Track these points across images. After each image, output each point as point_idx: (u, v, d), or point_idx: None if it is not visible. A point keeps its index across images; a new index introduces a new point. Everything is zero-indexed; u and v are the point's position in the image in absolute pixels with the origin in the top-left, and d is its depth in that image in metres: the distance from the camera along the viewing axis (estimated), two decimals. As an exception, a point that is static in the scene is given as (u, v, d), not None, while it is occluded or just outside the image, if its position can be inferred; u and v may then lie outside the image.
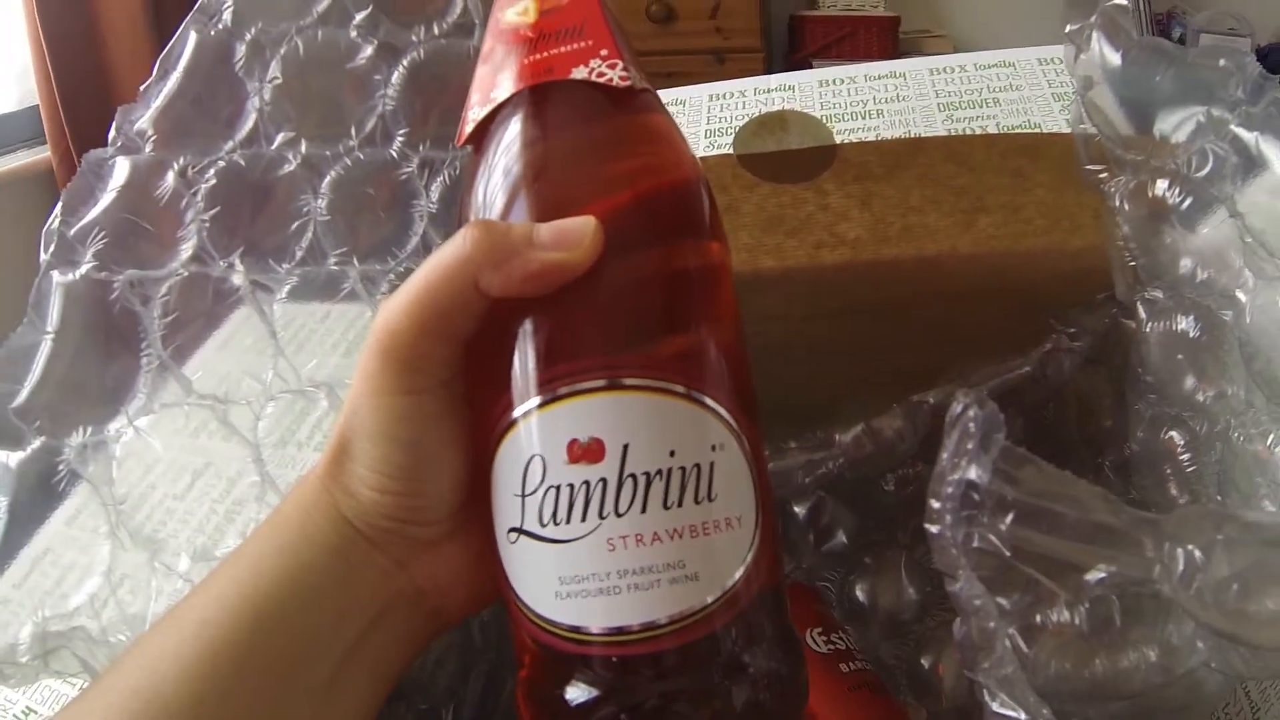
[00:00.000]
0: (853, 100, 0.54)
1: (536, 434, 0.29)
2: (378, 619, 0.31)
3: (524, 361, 0.29)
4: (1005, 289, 0.46)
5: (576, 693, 0.29)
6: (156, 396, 0.41)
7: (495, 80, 0.32)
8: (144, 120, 0.44)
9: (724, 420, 0.30)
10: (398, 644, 0.33)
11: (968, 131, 0.51)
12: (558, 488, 0.28)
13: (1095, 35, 0.38)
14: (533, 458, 0.29)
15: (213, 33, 0.45)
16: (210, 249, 0.43)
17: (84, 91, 1.99)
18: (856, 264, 0.46)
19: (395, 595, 0.32)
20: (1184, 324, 0.40)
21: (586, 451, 0.28)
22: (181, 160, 0.44)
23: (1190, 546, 0.28)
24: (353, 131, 0.45)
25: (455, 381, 0.31)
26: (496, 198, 0.31)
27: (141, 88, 0.44)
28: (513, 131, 0.31)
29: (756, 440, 0.31)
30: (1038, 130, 0.50)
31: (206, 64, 0.45)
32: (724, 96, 0.59)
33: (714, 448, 0.29)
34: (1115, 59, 0.38)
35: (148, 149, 0.44)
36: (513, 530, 0.29)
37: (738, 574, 0.29)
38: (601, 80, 0.31)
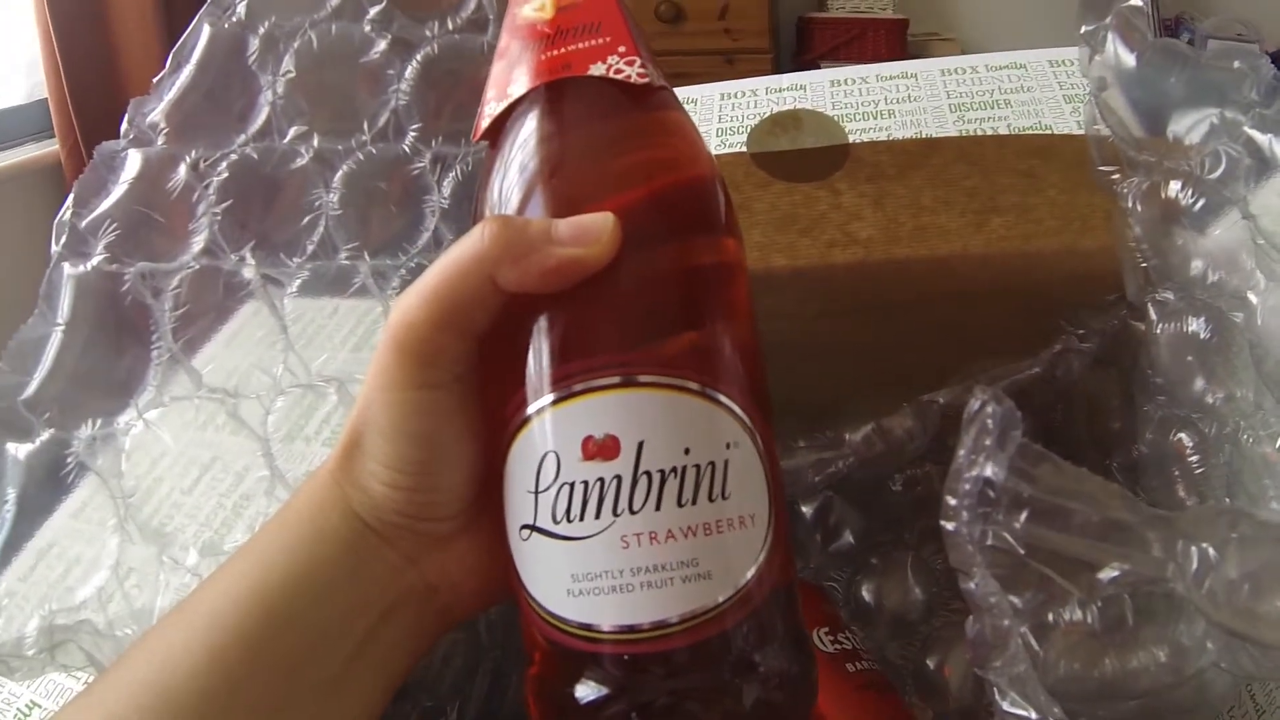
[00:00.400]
0: (864, 100, 0.55)
1: (551, 430, 0.29)
2: (387, 615, 0.31)
3: (538, 358, 0.29)
4: (1016, 289, 0.46)
5: (586, 690, 0.29)
6: (166, 389, 0.42)
7: (511, 76, 0.32)
8: (156, 113, 0.44)
9: (738, 418, 0.30)
10: (407, 640, 0.33)
11: (979, 132, 0.51)
12: (571, 485, 0.28)
13: (1110, 36, 0.38)
14: (547, 454, 0.29)
15: (226, 26, 0.45)
16: (221, 242, 0.43)
17: (93, 85, 1.99)
18: (868, 263, 0.46)
19: (405, 591, 0.32)
20: (1194, 326, 0.40)
21: (601, 448, 0.28)
22: (194, 153, 0.44)
23: (1204, 545, 0.28)
24: (365, 126, 0.45)
25: (469, 377, 0.31)
26: (513, 193, 0.31)
27: (154, 80, 0.44)
28: (530, 127, 0.31)
29: (770, 438, 0.31)
30: (1049, 131, 0.51)
31: (220, 57, 0.45)
32: (736, 95, 0.59)
33: (728, 445, 0.29)
34: (1130, 60, 0.38)
35: (160, 141, 0.44)
36: (525, 527, 0.29)
37: (750, 573, 0.29)
38: (619, 77, 0.31)
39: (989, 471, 0.29)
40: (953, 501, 0.29)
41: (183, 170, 0.44)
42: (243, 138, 0.45)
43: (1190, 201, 0.38)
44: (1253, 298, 0.38)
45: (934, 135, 0.52)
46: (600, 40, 0.31)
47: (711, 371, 0.29)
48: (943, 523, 0.30)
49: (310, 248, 0.44)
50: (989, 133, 0.51)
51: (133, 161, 0.44)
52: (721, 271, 0.32)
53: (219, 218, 0.43)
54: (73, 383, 0.41)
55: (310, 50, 0.45)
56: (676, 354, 0.29)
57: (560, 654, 0.30)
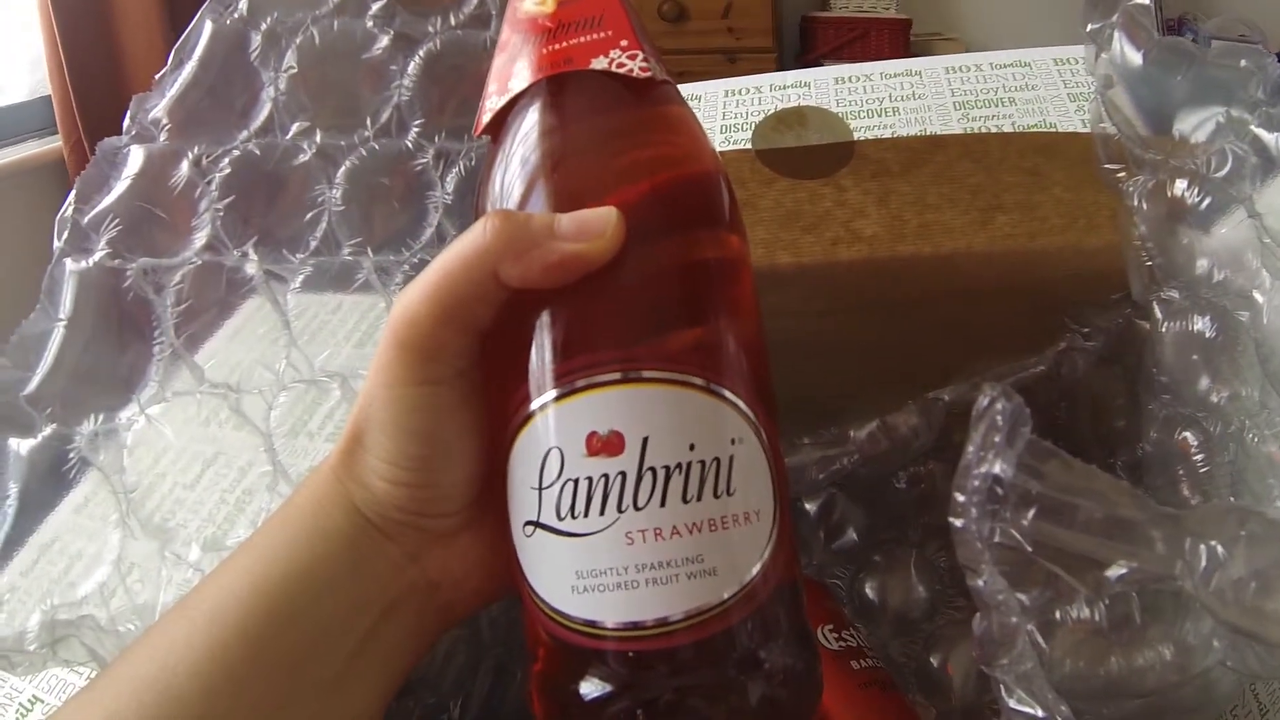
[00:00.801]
0: (868, 98, 0.55)
1: (555, 426, 0.29)
2: (389, 611, 0.31)
3: (542, 353, 0.29)
4: (1021, 287, 0.46)
5: (590, 687, 0.29)
6: (168, 385, 0.42)
7: (513, 70, 0.32)
8: (159, 109, 0.44)
9: (743, 414, 0.29)
10: (409, 637, 0.32)
11: (983, 130, 0.51)
12: (576, 480, 0.28)
13: (1116, 34, 0.38)
14: (551, 450, 0.29)
15: (228, 22, 0.45)
16: (224, 238, 0.43)
17: (96, 81, 1.99)
18: (873, 261, 0.46)
19: (407, 588, 0.32)
20: (1199, 324, 0.40)
21: (606, 444, 0.28)
22: (196, 149, 0.44)
23: (1212, 543, 0.28)
24: (368, 122, 0.45)
25: (471, 373, 0.31)
26: (515, 188, 0.31)
27: (156, 77, 0.44)
28: (531, 121, 0.31)
29: (774, 434, 0.31)
30: (1054, 129, 0.50)
31: (222, 53, 0.45)
32: (740, 92, 0.59)
33: (733, 441, 0.29)
34: (1136, 58, 0.38)
35: (162, 138, 0.44)
36: (529, 523, 0.29)
37: (755, 569, 0.29)
38: (621, 71, 0.31)
39: (997, 468, 0.29)
40: (961, 498, 0.29)
41: (185, 166, 0.44)
42: (245, 134, 0.45)
43: (1196, 200, 0.38)
44: (1258, 296, 0.38)
45: (938, 133, 0.52)
46: (602, 34, 0.31)
47: (716, 367, 0.29)
48: (951, 519, 0.30)
49: (313, 244, 0.44)
50: (993, 130, 0.51)
51: (135, 158, 0.44)
52: (725, 267, 0.31)
53: (221, 214, 0.43)
54: (75, 378, 0.41)
55: (312, 46, 0.45)
56: (681, 349, 0.29)
57: (564, 651, 0.29)
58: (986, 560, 0.30)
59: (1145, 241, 0.41)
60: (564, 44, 0.31)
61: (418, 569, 0.32)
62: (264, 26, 0.45)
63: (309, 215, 0.44)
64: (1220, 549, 0.28)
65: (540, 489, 0.29)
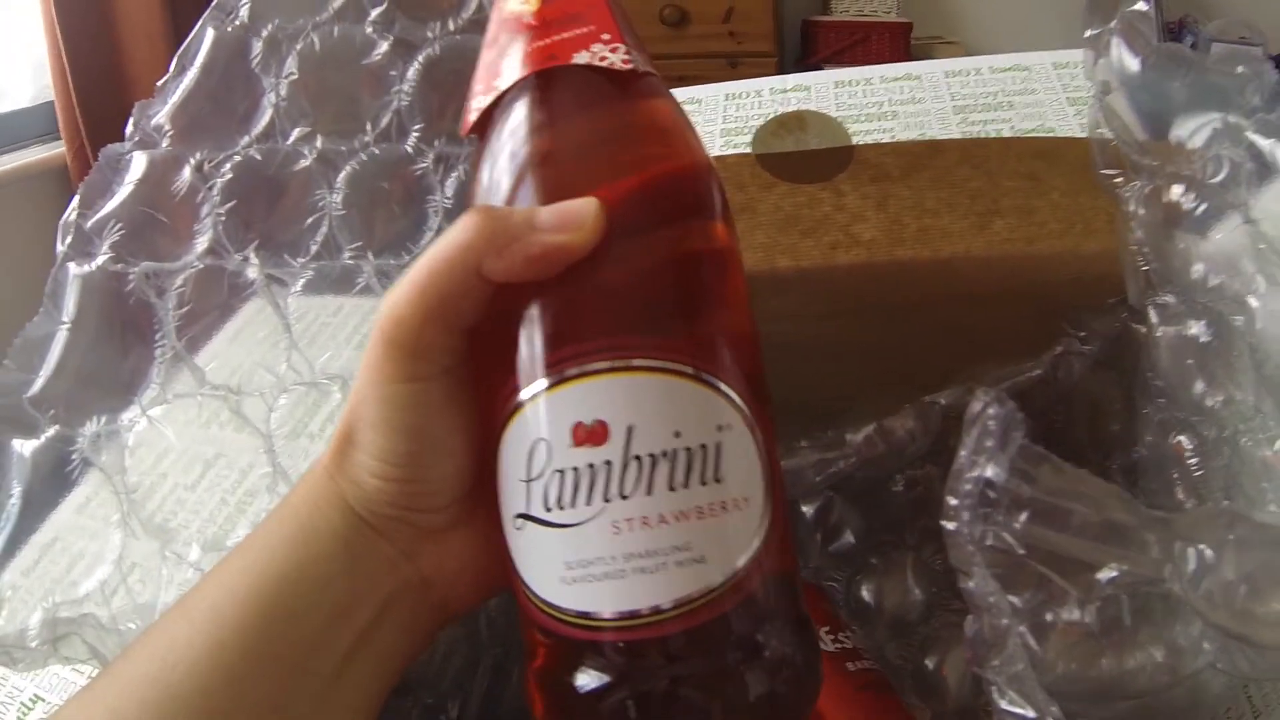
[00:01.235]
0: (868, 101, 0.55)
1: (541, 418, 0.29)
2: (384, 609, 0.32)
3: (528, 345, 0.29)
4: (1018, 292, 0.46)
5: (587, 679, 0.29)
6: (170, 387, 0.42)
7: (498, 68, 0.32)
8: (161, 115, 0.45)
9: (730, 400, 0.30)
10: (404, 635, 0.33)
11: (982, 134, 0.52)
12: (562, 471, 0.28)
13: (1115, 40, 0.39)
14: (538, 442, 0.29)
15: (230, 29, 0.45)
16: (225, 242, 0.44)
17: (99, 87, 2.01)
18: (871, 264, 0.47)
19: (402, 585, 0.32)
20: (1195, 329, 0.40)
21: (591, 434, 0.28)
22: (198, 155, 0.45)
23: (1202, 546, 0.28)
24: (368, 127, 0.45)
25: (460, 369, 0.31)
26: (500, 184, 0.31)
27: (159, 83, 0.45)
28: (516, 118, 0.31)
29: (766, 423, 0.31)
30: (1052, 134, 0.51)
31: (223, 60, 0.45)
32: (740, 96, 0.59)
33: (720, 428, 0.29)
34: (1135, 64, 0.38)
35: (164, 144, 0.44)
36: (519, 516, 0.30)
37: (746, 556, 0.29)
38: (604, 64, 0.31)
39: (990, 472, 0.29)
40: (954, 501, 0.30)
41: (187, 172, 0.44)
42: (246, 139, 0.45)
43: (1192, 205, 0.39)
44: (1253, 301, 0.38)
45: (937, 137, 0.52)
46: (585, 29, 0.32)
47: (703, 354, 0.29)
48: (943, 523, 0.31)
49: (314, 248, 0.44)
50: (992, 135, 0.52)
51: (138, 163, 0.44)
52: (711, 255, 0.32)
53: (223, 218, 0.44)
54: (77, 380, 0.41)
55: (313, 52, 0.46)
56: (667, 338, 0.29)
57: (559, 644, 0.30)
58: (978, 562, 0.30)
59: (1142, 246, 0.41)
60: (547, 40, 0.32)
61: (411, 566, 0.32)
62: (265, 33, 0.45)
63: (310, 220, 0.45)
64: (1209, 552, 0.29)
65: (529, 481, 0.29)
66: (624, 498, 0.28)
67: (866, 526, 0.52)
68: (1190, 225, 0.39)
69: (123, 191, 0.43)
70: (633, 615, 0.28)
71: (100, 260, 0.42)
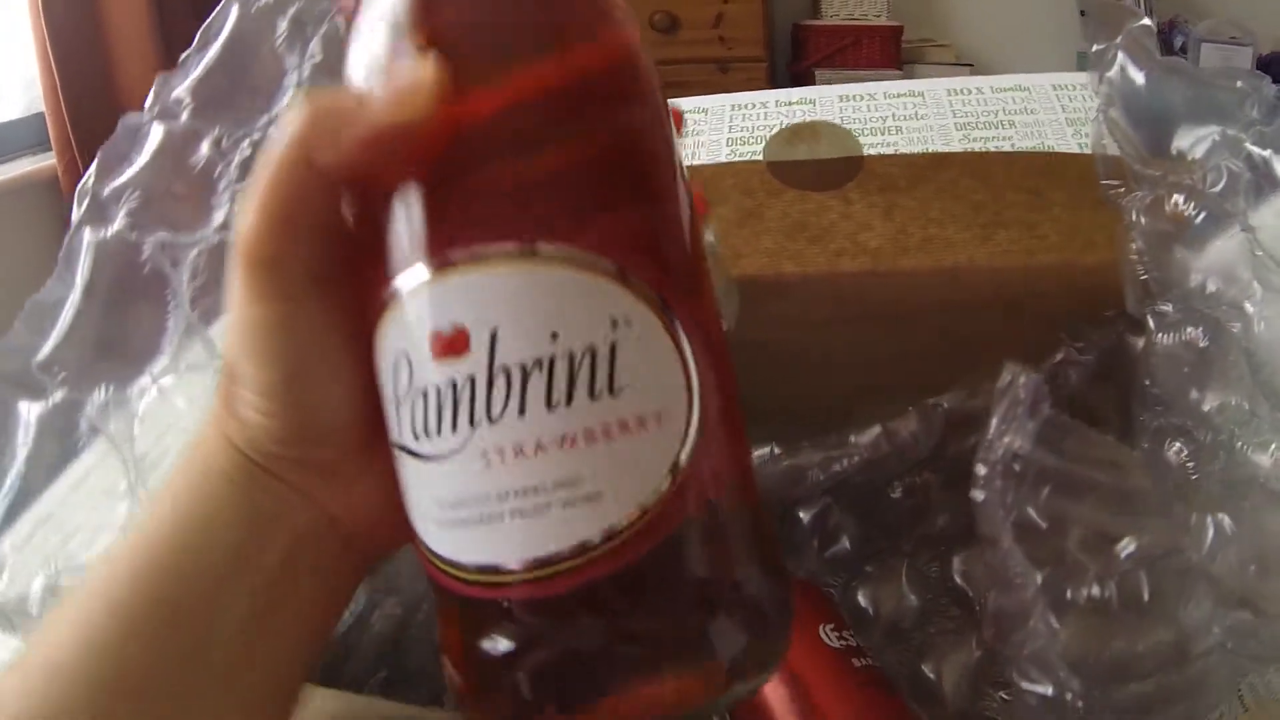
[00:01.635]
0: (872, 116, 0.58)
1: (401, 325, 0.25)
2: (290, 558, 0.28)
3: (390, 244, 0.25)
4: (1019, 302, 0.49)
5: (491, 645, 0.25)
6: (182, 357, 0.43)
7: None
8: (181, 89, 0.46)
9: (629, 285, 0.24)
10: (321, 585, 0.30)
11: (985, 150, 0.55)
12: (424, 391, 0.24)
13: (1119, 55, 0.41)
14: (400, 356, 0.25)
15: (254, 8, 0.47)
16: (243, 217, 0.45)
17: (90, 100, 2.01)
18: (876, 272, 0.49)
19: (305, 529, 0.29)
20: (1192, 335, 0.42)
21: (451, 344, 0.24)
22: (216, 130, 0.46)
23: (1220, 515, 0.30)
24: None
25: (334, 282, 0.27)
26: (357, 67, 0.26)
27: (181, 57, 0.46)
28: None
29: (703, 317, 0.26)
30: (1053, 151, 0.54)
31: (247, 38, 0.46)
32: (746, 107, 0.62)
33: (615, 324, 0.24)
34: (1138, 79, 0.41)
35: (184, 117, 0.45)
36: (395, 446, 0.26)
37: (659, 488, 0.24)
38: None
39: (1018, 443, 0.31)
40: (983, 470, 0.31)
41: (205, 146, 0.45)
42: (266, 118, 0.46)
43: (1192, 214, 0.41)
44: (1249, 307, 0.41)
45: (940, 151, 0.55)
46: None
47: (580, 231, 0.24)
48: (973, 492, 0.32)
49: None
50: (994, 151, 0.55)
51: (155, 134, 0.45)
52: (622, 131, 0.26)
53: (240, 194, 0.45)
54: (87, 347, 0.42)
55: (337, 36, 0.47)
56: (539, 220, 0.24)
57: (448, 599, 0.26)
58: (1007, 531, 0.31)
59: (1141, 255, 0.44)
60: None
61: (314, 508, 0.29)
62: (290, 13, 0.47)
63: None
64: (1227, 522, 0.30)
65: (396, 404, 0.25)
66: (491, 421, 0.23)
67: (863, 533, 0.53)
68: (1189, 234, 0.42)
69: (140, 161, 0.44)
70: (502, 570, 0.24)
71: (116, 228, 0.43)
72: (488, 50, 0.26)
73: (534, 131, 0.25)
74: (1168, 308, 0.44)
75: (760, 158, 0.51)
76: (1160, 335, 0.44)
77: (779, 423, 0.45)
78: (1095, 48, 0.42)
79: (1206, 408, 0.43)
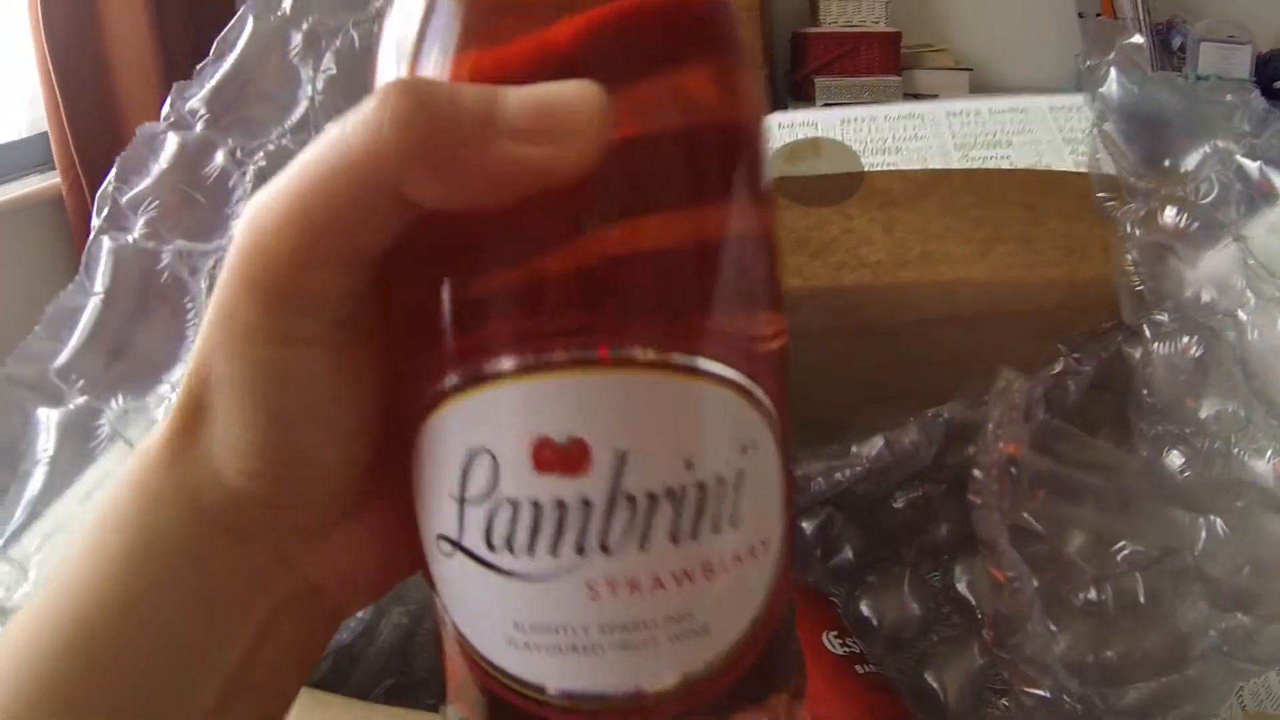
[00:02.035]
0: (873, 137, 0.60)
1: (485, 418, 0.21)
2: (261, 636, 0.24)
3: (470, 306, 0.21)
4: (1017, 315, 0.51)
5: None
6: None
7: None
8: (196, 99, 0.47)
9: (760, 406, 0.22)
10: (291, 657, 0.25)
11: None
12: (516, 504, 0.21)
13: (1113, 71, 0.44)
14: (479, 453, 0.21)
15: (270, 20, 0.48)
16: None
17: (93, 120, 2.03)
18: (876, 286, 0.51)
19: (282, 601, 0.24)
20: (1187, 344, 0.44)
21: (564, 458, 0.20)
22: (231, 141, 0.47)
23: (1213, 518, 0.32)
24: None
25: (358, 316, 0.22)
26: (430, 37, 0.21)
27: (198, 67, 0.48)
28: None
29: (787, 424, 0.24)
30: (1050, 169, 0.56)
31: (262, 50, 0.48)
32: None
33: (745, 449, 0.22)
34: (1131, 93, 0.43)
35: (199, 127, 0.47)
36: (445, 540, 0.22)
37: (756, 612, 0.22)
38: None
39: (1014, 448, 0.32)
40: (979, 475, 0.32)
41: (220, 156, 0.47)
42: (280, 130, 0.48)
43: (1186, 224, 0.43)
44: (1243, 316, 0.43)
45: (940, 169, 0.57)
46: None
47: (725, 342, 0.21)
48: (970, 497, 0.33)
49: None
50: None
51: (170, 144, 0.47)
52: (759, 211, 0.23)
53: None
54: (107, 353, 0.43)
55: (351, 50, 0.49)
56: (678, 320, 0.21)
57: (498, 707, 0.23)
58: (1004, 535, 0.33)
59: (1137, 267, 0.46)
60: None
61: (291, 574, 0.24)
62: (305, 26, 0.48)
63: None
64: (1220, 524, 0.32)
65: (462, 501, 0.21)
66: (606, 552, 0.21)
67: (866, 543, 0.54)
68: (1183, 244, 0.44)
69: (157, 169, 0.46)
70: (600, 698, 0.21)
71: (134, 235, 0.44)
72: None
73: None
74: (1163, 318, 0.46)
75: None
76: (1157, 345, 0.46)
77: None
78: (1088, 63, 0.44)
79: (1203, 415, 0.45)
